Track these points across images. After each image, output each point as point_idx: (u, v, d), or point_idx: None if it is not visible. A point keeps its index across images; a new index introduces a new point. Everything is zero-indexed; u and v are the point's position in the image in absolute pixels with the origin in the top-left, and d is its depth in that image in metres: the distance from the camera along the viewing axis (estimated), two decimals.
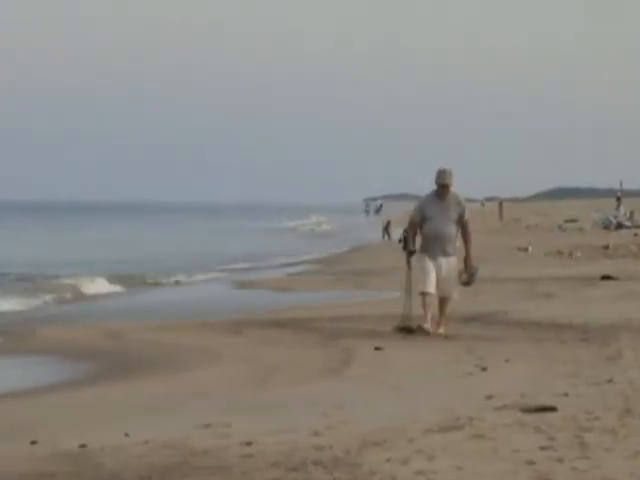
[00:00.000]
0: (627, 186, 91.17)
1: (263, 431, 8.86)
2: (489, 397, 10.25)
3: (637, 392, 10.21)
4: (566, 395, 10.22)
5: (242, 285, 30.60)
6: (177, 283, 33.28)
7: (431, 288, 15.46)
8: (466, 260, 15.85)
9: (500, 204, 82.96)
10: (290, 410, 10.16)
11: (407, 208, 75.04)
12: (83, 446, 8.60)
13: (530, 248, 38.17)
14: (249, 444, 8.42)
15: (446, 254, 15.56)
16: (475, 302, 17.51)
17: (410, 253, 15.96)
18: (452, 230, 15.58)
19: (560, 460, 7.71)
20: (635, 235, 46.75)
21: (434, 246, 15.51)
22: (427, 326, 15.33)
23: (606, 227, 56.48)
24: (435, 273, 15.47)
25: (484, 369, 12.46)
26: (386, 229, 63.10)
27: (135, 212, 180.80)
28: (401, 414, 9.54)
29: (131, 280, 33.15)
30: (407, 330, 15.56)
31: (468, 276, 15.84)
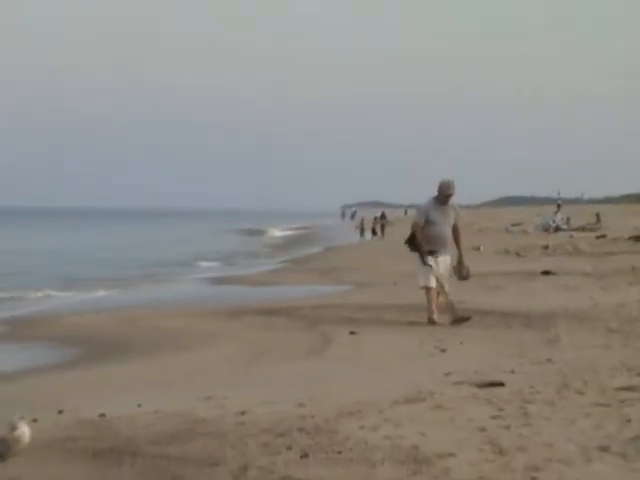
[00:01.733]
0: (564, 194, 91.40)
1: (255, 402, 8.88)
2: (447, 374, 10.28)
3: (573, 370, 10.25)
4: (512, 372, 10.26)
5: (226, 281, 30.23)
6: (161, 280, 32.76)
7: (433, 283, 15.33)
8: (460, 258, 15.78)
9: None
10: (278, 384, 10.17)
11: (377, 213, 75.09)
12: (102, 415, 8.62)
13: (481, 247, 38.11)
14: (243, 413, 8.44)
15: (444, 253, 15.53)
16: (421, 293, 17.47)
17: (429, 252, 15.46)
18: (450, 232, 15.55)
19: (507, 427, 7.75)
20: (571, 237, 46.78)
21: (437, 246, 15.42)
22: (435, 317, 15.17)
23: (546, 230, 56.49)
24: (435, 270, 15.39)
25: (443, 350, 12.49)
26: (362, 228, 63.39)
27: (143, 217, 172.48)
28: (372, 388, 9.56)
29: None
30: (464, 319, 14.97)
31: (466, 272, 15.83)
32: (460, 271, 15.82)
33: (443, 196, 15.51)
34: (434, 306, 15.28)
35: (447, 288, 15.50)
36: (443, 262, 15.55)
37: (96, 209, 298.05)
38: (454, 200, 15.73)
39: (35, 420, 8.12)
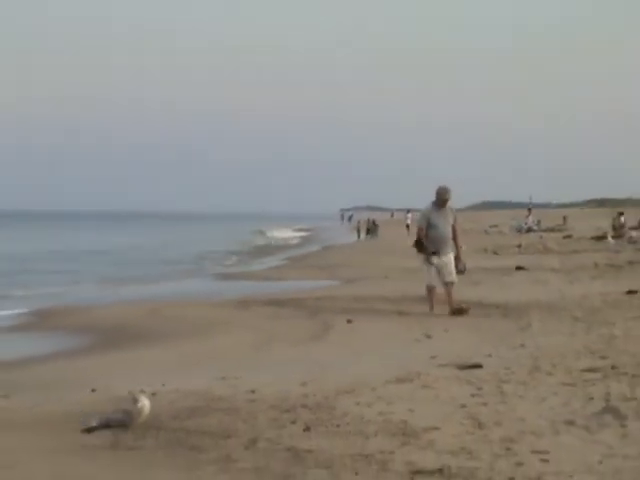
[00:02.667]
0: (535, 200, 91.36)
1: (264, 382, 8.89)
2: (433, 357, 10.30)
3: (543, 354, 10.28)
4: (490, 356, 10.28)
5: (235, 277, 30.03)
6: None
7: (434, 282, 15.27)
8: (458, 255, 15.61)
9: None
10: (284, 367, 10.18)
11: (371, 216, 75.03)
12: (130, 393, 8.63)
13: (463, 247, 38.05)
14: (253, 392, 8.45)
15: (448, 252, 15.38)
16: (423, 287, 17.50)
17: (432, 253, 15.39)
18: (450, 233, 15.38)
19: (485, 404, 7.77)
20: (541, 237, 46.77)
21: (439, 246, 15.28)
22: (433, 310, 15.11)
23: (519, 231, 56.44)
24: (438, 269, 15.26)
25: (429, 336, 12.49)
26: (359, 230, 63.92)
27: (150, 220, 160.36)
28: (366, 370, 9.58)
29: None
30: (461, 311, 14.91)
31: (462, 267, 15.74)
32: (457, 266, 15.74)
33: (441, 200, 15.37)
34: (433, 301, 15.26)
35: (455, 281, 15.38)
36: (448, 260, 15.39)
37: (91, 212, 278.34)
38: (450, 203, 15.59)
39: (154, 394, 8.09)
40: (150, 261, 41.21)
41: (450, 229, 15.42)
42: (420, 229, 15.55)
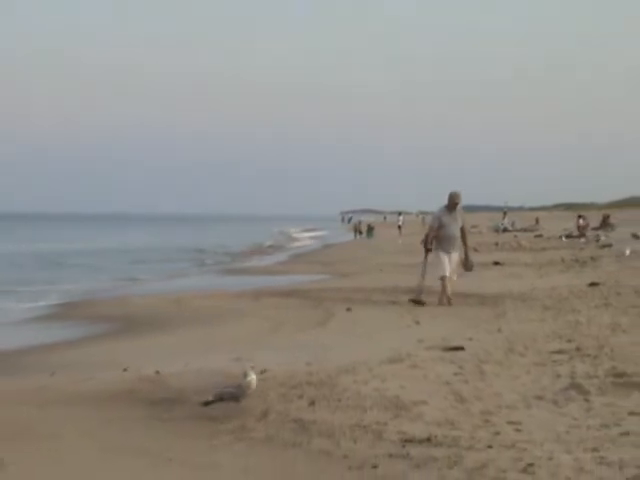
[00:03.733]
0: (510, 204, 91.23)
1: (274, 363, 8.89)
2: (421, 341, 10.32)
3: (516, 337, 10.30)
4: (471, 339, 10.30)
5: (247, 271, 29.81)
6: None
7: (448, 272, 14.84)
8: (466, 254, 15.38)
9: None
10: (292, 349, 10.20)
11: (369, 219, 74.73)
12: (157, 372, 8.65)
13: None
14: (264, 371, 8.45)
15: (454, 250, 15.04)
16: (411, 280, 17.52)
17: (428, 250, 15.18)
18: (458, 233, 15.05)
19: (467, 382, 7.80)
20: (515, 236, 46.78)
21: (448, 245, 14.91)
22: (445, 301, 14.71)
23: (496, 231, 56.48)
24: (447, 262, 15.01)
25: (418, 323, 12.52)
26: (356, 230, 63.78)
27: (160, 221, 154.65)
28: (363, 352, 9.59)
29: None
30: (418, 302, 14.81)
31: (470, 265, 15.59)
32: (466, 264, 15.57)
33: (452, 204, 15.07)
34: (449, 291, 14.77)
35: (455, 278, 15.16)
36: (453, 259, 15.11)
37: (89, 215, 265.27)
38: (460, 207, 15.28)
39: (263, 371, 8.06)
40: (171, 258, 41.03)
41: (458, 230, 15.11)
42: (431, 228, 15.23)
